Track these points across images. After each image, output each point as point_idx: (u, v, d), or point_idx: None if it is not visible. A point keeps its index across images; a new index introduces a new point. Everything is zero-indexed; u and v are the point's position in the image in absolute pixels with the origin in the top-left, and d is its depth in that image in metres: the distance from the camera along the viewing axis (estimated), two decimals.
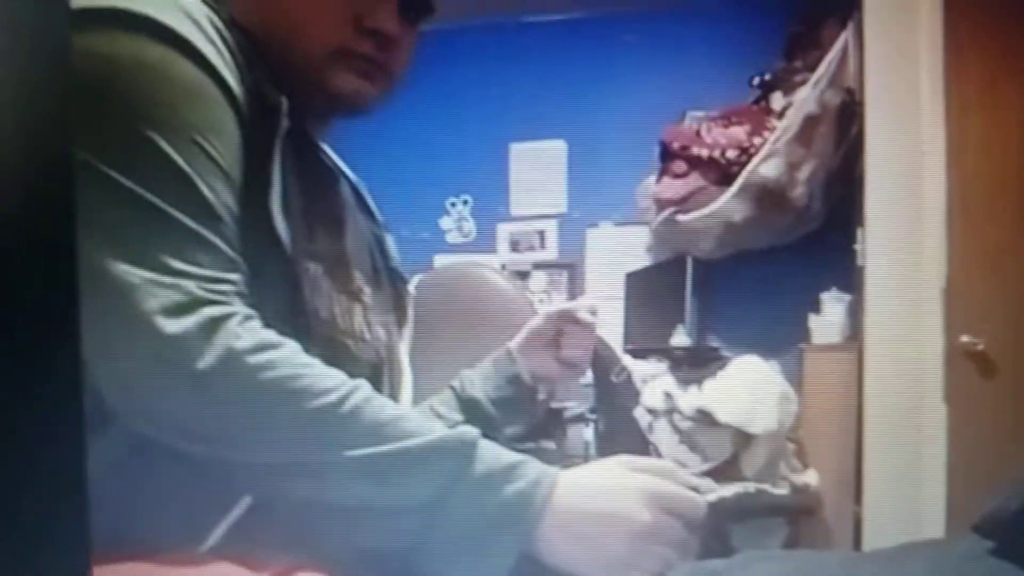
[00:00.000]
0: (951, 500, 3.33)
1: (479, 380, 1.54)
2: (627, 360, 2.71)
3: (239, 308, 1.01)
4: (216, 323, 0.98)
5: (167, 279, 0.97)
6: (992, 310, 3.38)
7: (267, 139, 1.12)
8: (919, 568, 1.19)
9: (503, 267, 4.87)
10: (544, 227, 5.28)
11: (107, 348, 0.94)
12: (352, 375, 1.03)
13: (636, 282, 4.89)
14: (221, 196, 1.04)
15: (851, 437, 3.70)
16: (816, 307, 4.18)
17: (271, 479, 1.01)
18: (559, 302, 1.62)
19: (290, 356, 1.01)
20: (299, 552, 1.02)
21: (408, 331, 1.44)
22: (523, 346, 1.57)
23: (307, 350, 1.05)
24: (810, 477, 3.88)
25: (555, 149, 5.15)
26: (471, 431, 1.04)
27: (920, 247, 3.53)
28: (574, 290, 5.22)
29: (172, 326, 0.95)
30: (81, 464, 0.63)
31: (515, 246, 5.23)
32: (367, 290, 1.32)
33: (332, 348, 1.18)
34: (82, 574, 0.64)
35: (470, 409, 1.51)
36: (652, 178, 4.60)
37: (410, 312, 1.45)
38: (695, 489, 1.13)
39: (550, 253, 5.28)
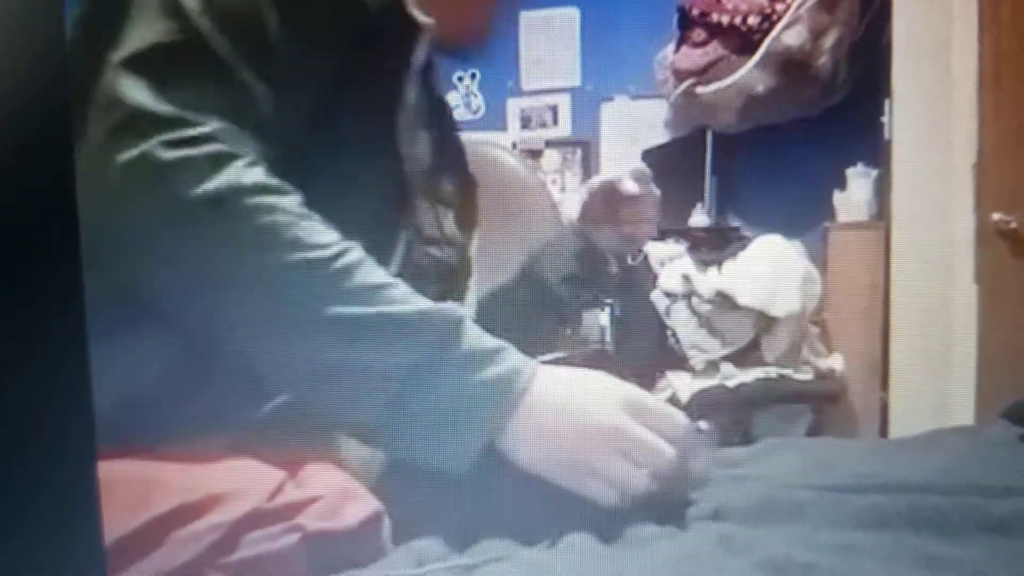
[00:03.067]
0: (981, 385, 3.34)
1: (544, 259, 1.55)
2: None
3: (248, 155, 1.02)
4: (222, 159, 0.99)
5: (186, 114, 1.00)
6: None
7: (402, 57, 1.19)
8: (947, 456, 1.20)
9: (514, 145, 4.82)
10: (556, 102, 5.20)
11: (105, 178, 0.97)
12: (436, 279, 1.10)
13: (653, 159, 4.83)
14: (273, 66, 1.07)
15: (877, 320, 3.70)
16: (841, 183, 4.15)
17: (254, 333, 1.01)
18: (587, 178, 1.58)
19: (290, 205, 1.02)
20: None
21: (477, 234, 1.45)
22: (583, 220, 1.57)
23: (405, 256, 1.12)
24: (835, 362, 3.90)
25: (567, 17, 5.05)
26: (457, 309, 1.06)
27: (950, 120, 3.50)
28: (588, 168, 5.18)
29: (176, 153, 0.97)
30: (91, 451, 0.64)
31: (526, 123, 5.17)
32: (452, 197, 1.37)
33: (424, 254, 1.25)
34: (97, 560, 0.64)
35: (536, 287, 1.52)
36: (670, 47, 4.53)
37: (479, 216, 1.47)
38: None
39: (563, 130, 5.22)
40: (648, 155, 4.83)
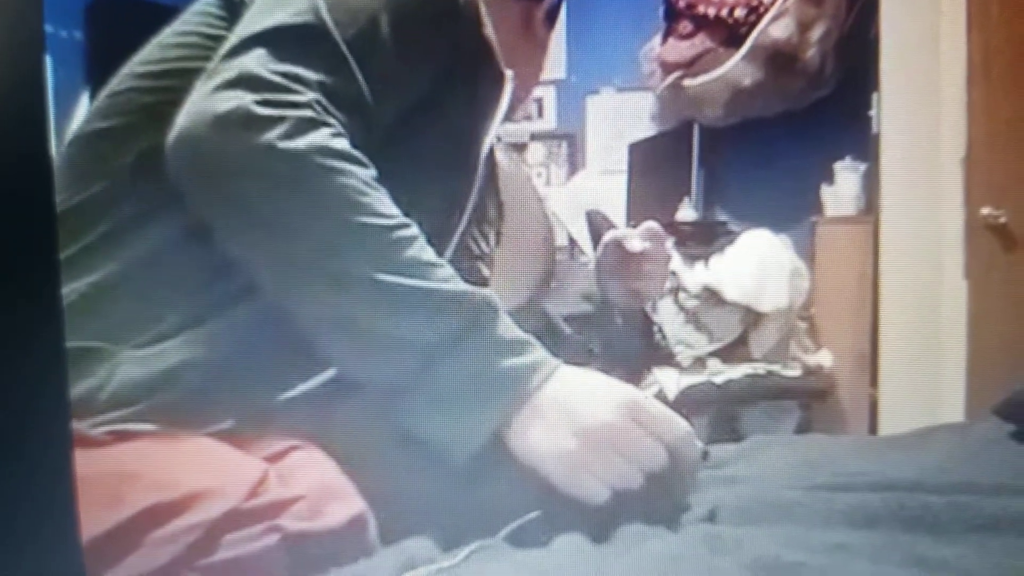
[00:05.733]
0: (971, 382, 3.35)
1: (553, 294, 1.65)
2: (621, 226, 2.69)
3: (337, 127, 1.09)
4: (312, 123, 1.07)
5: (288, 83, 1.08)
6: (1014, 180, 3.35)
7: (490, 101, 1.31)
8: (937, 453, 1.21)
9: (498, 139, 4.79)
10: (541, 94, 5.20)
11: (199, 126, 1.05)
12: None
13: (639, 152, 4.85)
14: (380, 64, 1.16)
15: (866, 315, 3.70)
16: (829, 177, 4.16)
17: (307, 285, 1.07)
18: (610, 238, 1.63)
19: (365, 176, 1.08)
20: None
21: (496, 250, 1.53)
22: (596, 270, 1.64)
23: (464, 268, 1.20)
24: (823, 358, 3.91)
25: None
26: (495, 297, 1.09)
27: (939, 113, 3.50)
28: (574, 162, 5.18)
29: (269, 111, 1.05)
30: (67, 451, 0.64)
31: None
32: (494, 219, 1.45)
33: (471, 269, 1.33)
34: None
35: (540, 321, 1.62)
36: (656, 40, 4.55)
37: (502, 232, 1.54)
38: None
39: (548, 122, 5.23)
40: (634, 148, 4.84)
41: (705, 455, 1.15)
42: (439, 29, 1.24)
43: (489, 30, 1.30)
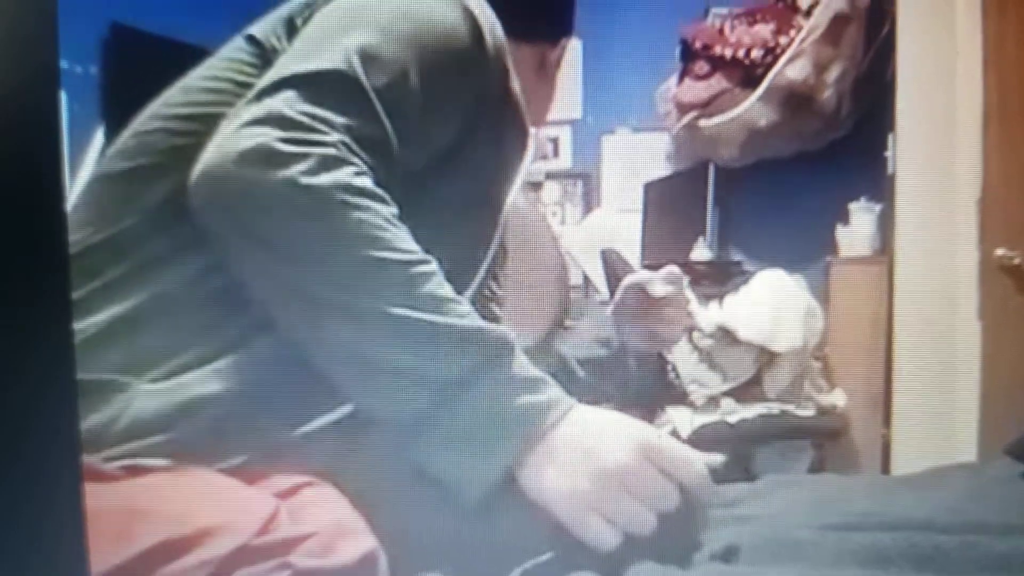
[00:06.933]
0: (984, 422, 3.34)
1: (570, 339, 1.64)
2: (641, 270, 2.70)
3: (361, 165, 1.10)
4: (336, 161, 1.07)
5: (314, 123, 1.09)
6: None
7: (516, 156, 1.34)
8: (949, 493, 1.19)
9: None
10: (557, 133, 5.21)
11: (222, 161, 1.06)
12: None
13: (655, 192, 4.85)
14: (405, 110, 1.17)
15: (880, 356, 3.69)
16: (844, 218, 4.16)
17: (322, 319, 1.07)
18: (630, 281, 1.64)
19: (386, 213, 1.09)
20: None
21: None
22: (614, 314, 1.65)
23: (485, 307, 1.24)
24: (837, 398, 3.89)
25: (569, 49, 5.04)
26: (511, 335, 1.09)
27: (954, 154, 3.50)
28: (589, 201, 5.18)
29: (292, 148, 1.06)
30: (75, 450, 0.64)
31: None
32: (503, 260, 1.46)
33: (485, 309, 1.32)
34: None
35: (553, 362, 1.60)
36: (672, 80, 4.55)
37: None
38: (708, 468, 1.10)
39: (563, 162, 5.23)
40: (649, 188, 4.84)
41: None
42: (468, 83, 1.26)
43: (516, 84, 1.31)
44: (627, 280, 1.62)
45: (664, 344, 1.68)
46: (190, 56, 1.28)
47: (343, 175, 1.07)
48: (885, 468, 3.58)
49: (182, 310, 1.14)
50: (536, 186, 5.09)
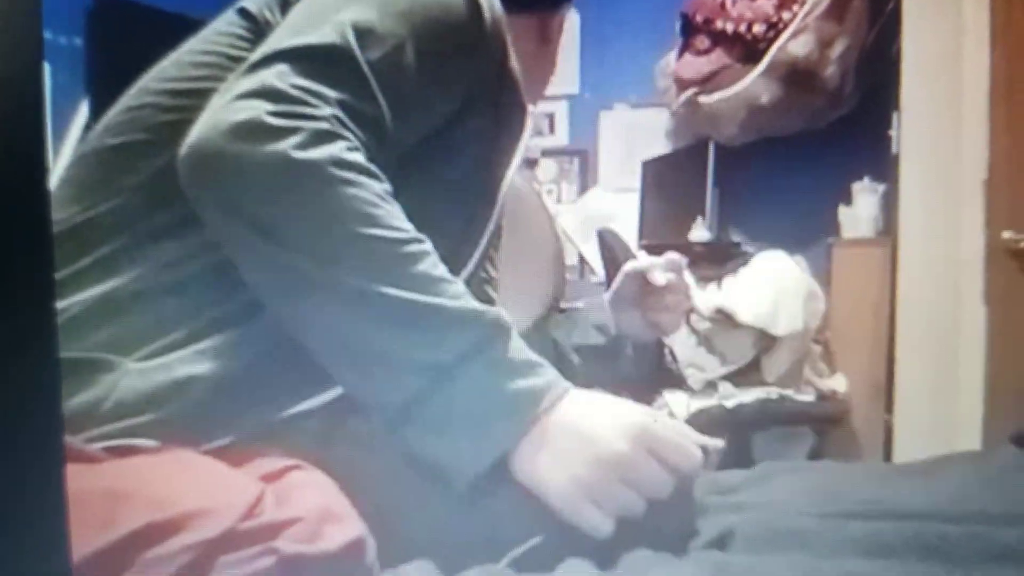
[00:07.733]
0: (988, 409, 3.34)
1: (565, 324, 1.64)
2: (642, 256, 2.69)
3: (353, 140, 1.10)
4: (328, 136, 1.07)
5: (307, 96, 1.08)
6: None
7: (515, 133, 1.34)
8: (953, 482, 1.18)
9: None
10: (553, 109, 5.23)
11: (213, 134, 1.05)
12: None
13: (653, 170, 4.85)
14: (402, 88, 1.17)
15: (882, 340, 3.70)
16: (847, 198, 4.16)
17: (312, 296, 1.06)
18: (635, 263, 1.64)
19: (378, 188, 1.08)
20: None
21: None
22: (612, 301, 1.64)
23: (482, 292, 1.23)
24: (837, 383, 3.89)
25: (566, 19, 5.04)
26: (507, 317, 1.08)
27: (960, 134, 3.50)
28: (586, 179, 5.18)
29: (284, 122, 1.05)
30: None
31: None
32: (499, 241, 1.45)
33: (480, 291, 1.33)
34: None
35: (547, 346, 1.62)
36: (672, 55, 4.55)
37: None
38: (704, 449, 1.09)
39: (560, 138, 5.24)
40: (648, 166, 4.83)
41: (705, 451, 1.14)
42: (464, 59, 1.25)
43: (514, 62, 1.31)
44: (626, 267, 1.61)
45: (664, 332, 1.67)
46: (177, 27, 1.28)
47: (335, 149, 1.06)
48: (887, 455, 3.60)
49: (171, 289, 1.13)
50: (531, 163, 5.09)
